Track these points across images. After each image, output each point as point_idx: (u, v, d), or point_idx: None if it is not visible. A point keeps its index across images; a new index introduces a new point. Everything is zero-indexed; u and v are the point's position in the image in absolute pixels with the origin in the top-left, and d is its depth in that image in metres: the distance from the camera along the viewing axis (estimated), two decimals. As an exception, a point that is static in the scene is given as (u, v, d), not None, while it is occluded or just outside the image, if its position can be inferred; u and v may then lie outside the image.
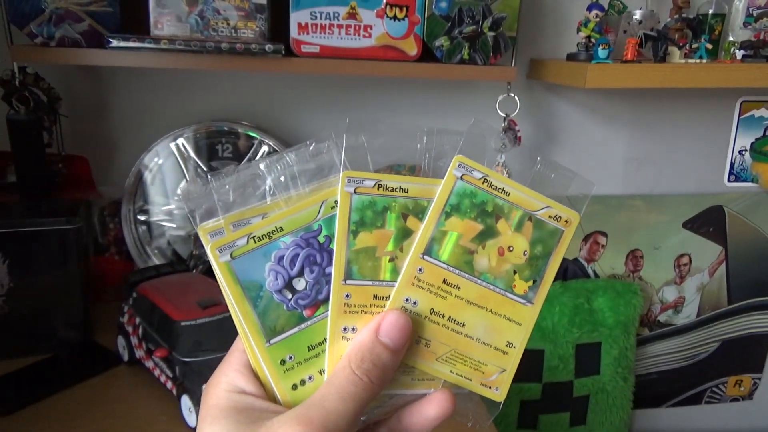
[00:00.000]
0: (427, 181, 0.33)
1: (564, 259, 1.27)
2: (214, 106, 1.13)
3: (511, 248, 0.34)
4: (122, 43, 0.88)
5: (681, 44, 1.03)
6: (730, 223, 1.38)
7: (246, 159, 1.11)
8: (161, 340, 0.82)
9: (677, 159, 1.32)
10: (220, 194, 0.32)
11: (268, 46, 0.90)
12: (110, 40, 0.88)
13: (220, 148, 1.12)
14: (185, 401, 0.77)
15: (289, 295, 0.33)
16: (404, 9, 0.93)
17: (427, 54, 0.97)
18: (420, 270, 0.33)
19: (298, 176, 0.33)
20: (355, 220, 0.32)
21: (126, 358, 0.90)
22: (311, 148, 0.33)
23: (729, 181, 1.35)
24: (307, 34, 0.93)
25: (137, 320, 0.87)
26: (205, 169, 1.10)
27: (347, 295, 0.33)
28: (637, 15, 1.10)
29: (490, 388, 0.34)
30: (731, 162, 1.34)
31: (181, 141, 1.08)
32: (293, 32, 0.93)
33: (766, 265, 1.42)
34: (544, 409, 1.25)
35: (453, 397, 0.33)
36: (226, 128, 1.10)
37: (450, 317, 0.33)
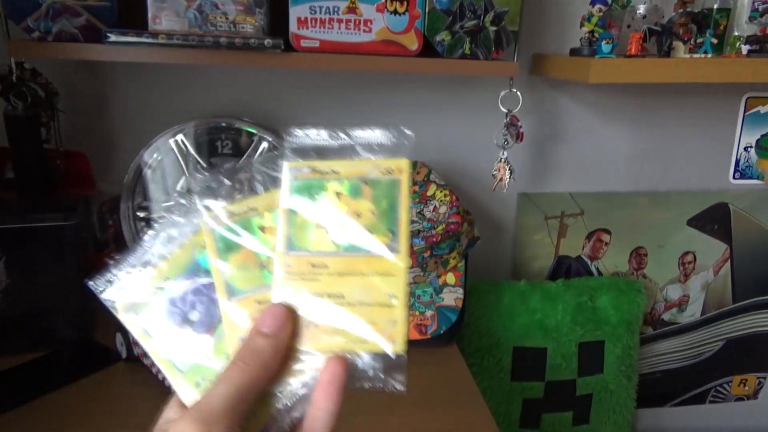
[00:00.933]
0: (273, 194, 0.38)
1: (567, 257, 1.25)
2: (215, 102, 1.12)
3: (359, 214, 0.36)
4: (120, 38, 0.87)
5: (686, 39, 1.01)
6: (735, 221, 1.36)
7: (246, 155, 1.11)
8: (159, 338, 0.81)
9: (682, 155, 1.31)
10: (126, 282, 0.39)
11: (267, 41, 0.89)
12: (108, 34, 0.87)
13: (220, 145, 1.11)
14: (183, 399, 0.76)
15: (189, 328, 0.38)
16: (405, 3, 0.92)
17: (428, 49, 0.96)
18: (288, 265, 0.36)
19: (176, 237, 0.39)
20: (220, 248, 0.37)
21: (124, 355, 0.89)
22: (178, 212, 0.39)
23: (734, 178, 1.34)
24: (307, 28, 0.92)
25: (135, 317, 0.87)
26: (204, 165, 1.09)
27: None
28: (641, 9, 1.08)
29: (387, 343, 0.35)
30: (736, 159, 1.33)
31: (180, 137, 1.07)
32: (292, 27, 0.92)
33: (771, 263, 1.40)
34: (547, 407, 1.24)
35: (341, 358, 0.35)
36: (225, 124, 1.09)
37: (328, 293, 0.36)
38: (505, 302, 1.20)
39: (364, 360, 0.35)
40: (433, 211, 1.00)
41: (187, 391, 0.37)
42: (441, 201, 1.00)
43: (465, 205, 1.19)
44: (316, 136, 0.38)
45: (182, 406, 0.36)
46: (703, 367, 1.45)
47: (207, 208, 0.38)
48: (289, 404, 0.35)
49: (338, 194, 0.37)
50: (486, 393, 1.20)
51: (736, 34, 1.13)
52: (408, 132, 0.37)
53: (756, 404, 1.51)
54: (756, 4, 1.16)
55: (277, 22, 0.94)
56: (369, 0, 0.91)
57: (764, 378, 1.49)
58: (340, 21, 0.92)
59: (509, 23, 0.95)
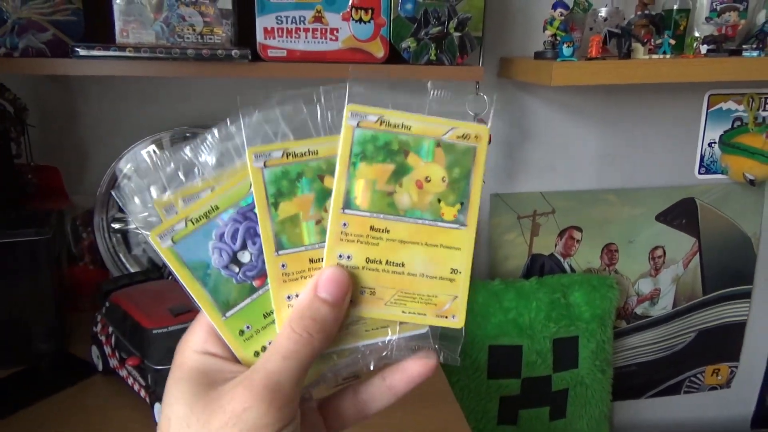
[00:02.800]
0: (333, 138, 0.33)
1: (540, 255, 1.28)
2: (187, 112, 1.13)
3: (428, 178, 0.33)
4: (87, 52, 0.88)
5: (645, 40, 1.04)
6: (702, 215, 1.40)
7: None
8: (133, 349, 0.82)
9: (649, 153, 1.34)
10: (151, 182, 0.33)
11: (235, 52, 0.90)
12: (75, 49, 0.88)
13: (193, 154, 1.11)
14: (158, 409, 0.77)
15: (236, 269, 0.33)
16: (369, 11, 0.93)
17: (394, 55, 0.97)
18: (345, 224, 0.33)
19: (223, 154, 0.33)
20: (272, 193, 0.33)
21: (100, 367, 0.90)
22: (232, 125, 0.34)
23: (700, 173, 1.38)
24: (274, 38, 0.93)
25: (110, 329, 0.87)
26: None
27: (283, 265, 0.33)
28: (603, 12, 1.11)
29: (446, 317, 0.33)
30: (701, 155, 1.36)
31: (152, 148, 1.08)
32: (259, 37, 0.93)
33: (738, 254, 1.44)
34: (524, 404, 1.27)
35: (436, 355, 0.34)
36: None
37: (387, 261, 0.33)
38: (480, 301, 1.22)
39: (425, 335, 0.34)
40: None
41: (227, 335, 0.33)
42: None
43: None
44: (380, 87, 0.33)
45: (219, 341, 0.33)
46: (677, 359, 1.49)
47: (254, 140, 0.33)
48: (339, 368, 0.34)
49: (406, 152, 0.33)
50: (463, 392, 1.22)
51: (696, 34, 1.17)
52: (486, 97, 0.33)
53: (729, 392, 1.55)
54: (714, 4, 1.20)
55: (246, 33, 0.95)
56: (334, 9, 0.93)
57: (736, 367, 1.53)
58: (306, 30, 0.94)
59: (473, 29, 0.97)
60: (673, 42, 1.02)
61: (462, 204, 0.33)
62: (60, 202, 1.09)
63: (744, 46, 1.07)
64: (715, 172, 1.38)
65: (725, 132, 1.35)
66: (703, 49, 1.10)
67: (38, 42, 0.89)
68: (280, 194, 0.33)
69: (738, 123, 1.35)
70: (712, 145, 1.36)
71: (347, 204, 0.33)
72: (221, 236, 0.33)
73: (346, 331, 0.33)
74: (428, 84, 0.34)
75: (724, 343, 1.50)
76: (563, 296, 1.27)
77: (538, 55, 1.06)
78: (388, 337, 0.34)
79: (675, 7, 1.17)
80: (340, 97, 0.34)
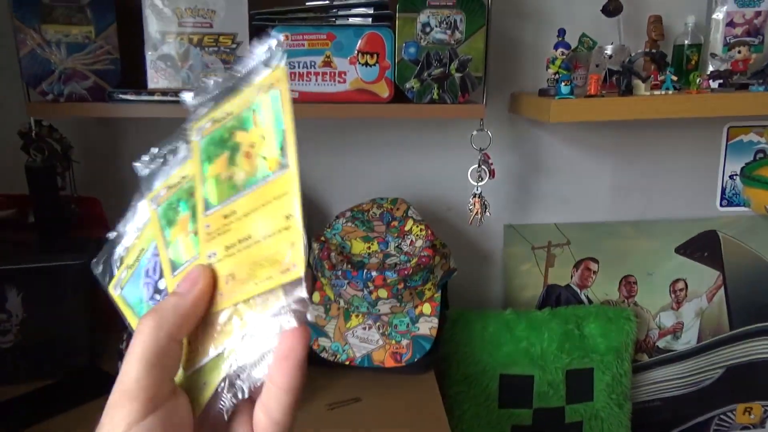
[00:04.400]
0: (194, 159, 0.36)
1: (556, 286, 1.29)
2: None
3: (252, 144, 0.33)
4: (121, 97, 0.98)
5: (650, 77, 1.06)
6: (725, 248, 1.37)
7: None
8: (150, 365, 0.89)
9: (666, 186, 1.34)
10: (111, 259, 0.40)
11: (250, 95, 0.99)
12: (111, 94, 0.99)
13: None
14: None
15: (158, 297, 0.37)
16: (375, 56, 1.00)
17: (399, 95, 1.04)
18: (207, 226, 0.34)
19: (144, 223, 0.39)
20: (163, 225, 0.37)
21: (124, 382, 0.98)
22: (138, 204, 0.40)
23: (721, 205, 1.36)
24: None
25: (133, 347, 0.96)
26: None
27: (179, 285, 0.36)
28: (609, 50, 1.14)
29: (289, 270, 0.32)
30: (722, 187, 1.35)
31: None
32: (274, 81, 1.02)
33: (766, 289, 1.40)
34: (536, 435, 1.27)
35: (298, 330, 0.31)
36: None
37: (239, 240, 0.33)
38: (491, 330, 1.24)
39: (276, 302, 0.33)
40: (410, 245, 1.07)
41: None
42: (417, 235, 1.07)
43: (450, 238, 1.25)
44: (209, 87, 0.35)
45: None
46: (704, 395, 1.45)
47: (148, 189, 0.38)
48: (234, 370, 0.33)
49: (233, 134, 0.34)
50: (474, 420, 1.24)
51: (711, 69, 1.18)
52: (274, 37, 0.34)
53: (764, 433, 1.49)
54: (728, 38, 1.20)
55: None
56: (342, 54, 1.01)
57: (769, 406, 1.47)
58: (317, 74, 1.01)
59: (474, 69, 1.02)
60: (675, 78, 1.04)
61: (281, 149, 0.32)
62: (101, 230, 1.20)
63: (750, 81, 1.07)
64: (737, 205, 1.36)
65: (747, 164, 1.33)
66: (714, 84, 1.11)
67: (81, 89, 1.00)
68: (169, 223, 0.36)
69: (761, 155, 1.33)
70: (734, 177, 1.34)
71: (206, 206, 0.34)
72: (147, 272, 0.38)
73: (223, 329, 0.33)
74: (233, 68, 0.34)
75: (755, 381, 1.45)
76: (577, 327, 1.27)
77: (542, 92, 1.10)
78: (251, 320, 0.32)
79: (686, 42, 1.19)
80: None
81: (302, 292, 0.31)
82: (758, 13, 1.18)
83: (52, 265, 1.01)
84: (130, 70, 1.03)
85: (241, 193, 0.33)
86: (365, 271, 0.99)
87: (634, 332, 1.31)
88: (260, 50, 0.33)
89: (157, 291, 0.38)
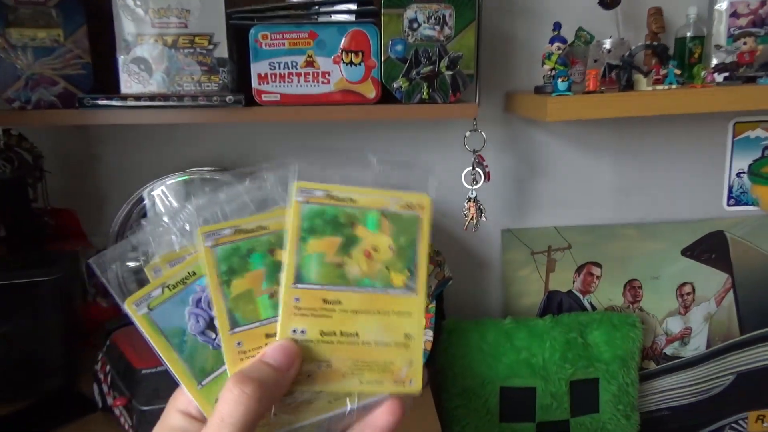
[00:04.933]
0: (281, 212, 0.34)
1: (557, 292, 1.23)
2: (194, 155, 1.17)
3: (376, 248, 0.34)
4: (92, 102, 0.93)
5: (653, 71, 1.01)
6: (734, 249, 1.31)
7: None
8: (124, 388, 0.84)
9: (670, 185, 1.28)
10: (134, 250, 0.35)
11: (228, 98, 0.93)
12: (82, 100, 0.93)
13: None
14: (142, 450, 0.78)
15: (213, 335, 0.34)
16: (360, 54, 0.95)
17: (387, 96, 0.98)
18: (297, 299, 0.33)
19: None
20: (224, 271, 0.34)
21: (100, 405, 0.92)
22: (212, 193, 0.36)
23: (728, 205, 1.30)
24: (267, 83, 0.96)
25: (108, 368, 0.90)
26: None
27: (239, 343, 0.33)
28: (607, 44, 1.08)
29: (404, 383, 0.34)
30: (729, 185, 1.29)
31: (161, 190, 1.13)
32: (254, 83, 0.96)
33: (778, 291, 1.34)
34: (540, 449, 1.21)
35: (402, 404, 0.34)
36: (207, 176, 1.14)
37: (341, 332, 0.33)
38: (489, 341, 1.18)
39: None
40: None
41: (202, 403, 0.33)
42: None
43: (444, 245, 1.19)
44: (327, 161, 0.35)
45: (190, 415, 0.34)
46: (715, 403, 1.39)
47: (206, 221, 0.34)
48: None
49: (353, 224, 0.34)
50: (474, 435, 1.18)
51: (715, 62, 1.12)
52: (427, 167, 0.36)
53: (778, 441, 1.43)
54: (732, 30, 1.15)
55: (245, 79, 0.99)
56: (325, 53, 0.95)
57: (783, 413, 1.41)
58: (299, 75, 0.96)
59: (465, 67, 0.97)
60: (678, 72, 0.98)
61: (410, 270, 0.34)
62: (77, 243, 1.14)
63: (758, 73, 1.01)
64: (745, 204, 1.30)
65: (755, 161, 1.27)
66: (719, 77, 1.05)
67: (50, 95, 0.95)
68: (232, 271, 0.34)
69: (768, 151, 1.28)
70: (741, 175, 1.29)
71: (299, 278, 0.33)
72: (198, 302, 0.34)
73: (308, 406, 0.33)
74: (373, 159, 0.36)
75: (767, 387, 1.39)
76: (580, 335, 1.21)
77: (538, 90, 1.05)
78: (348, 407, 0.34)
79: (688, 34, 1.13)
80: (285, 174, 0.35)
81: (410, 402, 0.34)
82: (764, 3, 1.13)
83: (24, 282, 0.96)
84: (102, 75, 0.98)
85: (352, 288, 0.34)
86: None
87: (640, 339, 1.25)
88: (406, 168, 0.35)
89: (212, 327, 0.34)
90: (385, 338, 0.34)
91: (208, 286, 0.33)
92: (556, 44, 1.00)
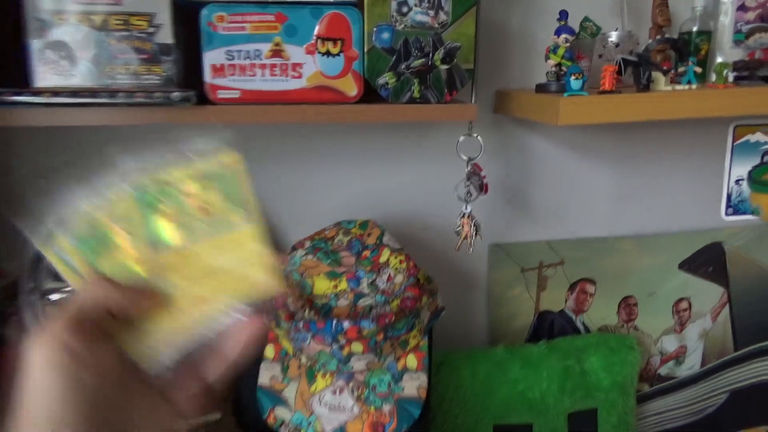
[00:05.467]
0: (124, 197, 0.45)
1: (548, 312, 1.10)
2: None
3: (207, 202, 0.43)
4: (-6, 99, 0.72)
5: (665, 69, 0.89)
6: (730, 261, 1.23)
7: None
8: None
9: (669, 193, 1.18)
10: None
11: (175, 94, 0.75)
12: (-20, 96, 0.72)
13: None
14: None
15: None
16: (338, 43, 0.78)
17: (370, 94, 0.82)
18: (154, 262, 0.43)
19: None
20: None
21: None
22: None
23: (727, 214, 1.21)
24: (224, 77, 0.78)
25: None
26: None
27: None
28: (613, 37, 0.96)
29: (263, 288, 0.43)
30: (728, 193, 1.20)
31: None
32: (207, 76, 0.78)
33: (773, 304, 1.27)
34: (537, 491, 1.08)
35: (260, 320, 0.42)
36: (145, 188, 0.94)
37: (204, 271, 0.43)
38: (481, 375, 1.04)
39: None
40: (388, 281, 0.85)
41: None
42: (396, 269, 0.85)
43: (425, 263, 1.04)
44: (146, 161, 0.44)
45: None
46: (708, 423, 1.30)
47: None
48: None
49: (187, 193, 0.43)
50: (465, 481, 1.03)
51: (720, 60, 1.02)
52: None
53: (768, 459, 1.36)
54: (739, 24, 1.05)
55: (195, 71, 0.80)
56: (296, 41, 0.78)
57: (775, 431, 1.34)
58: (263, 66, 0.78)
59: (463, 61, 0.82)
60: (699, 70, 0.87)
61: (244, 209, 0.44)
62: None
63: (781, 73, 0.91)
64: (743, 213, 1.21)
65: (754, 167, 1.19)
66: (731, 76, 0.94)
67: (-64, 88, 0.73)
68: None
69: (768, 157, 1.20)
70: (740, 182, 1.20)
71: (155, 245, 0.43)
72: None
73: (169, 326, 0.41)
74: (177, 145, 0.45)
75: (760, 404, 1.32)
76: (578, 362, 1.09)
77: (541, 88, 0.91)
78: (212, 324, 0.42)
79: (694, 29, 1.03)
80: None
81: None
82: (774, -4, 1.03)
83: None
84: (9, 63, 0.77)
85: (203, 237, 0.43)
86: (334, 321, 0.76)
87: (638, 363, 1.14)
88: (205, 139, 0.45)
89: None
90: (240, 263, 0.42)
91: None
92: (564, 36, 0.86)
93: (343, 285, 0.85)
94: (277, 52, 0.78)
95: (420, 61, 0.80)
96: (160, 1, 0.75)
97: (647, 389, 1.26)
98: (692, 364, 1.27)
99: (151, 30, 0.76)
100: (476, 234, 0.92)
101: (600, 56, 0.97)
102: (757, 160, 1.19)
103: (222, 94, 0.78)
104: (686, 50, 0.86)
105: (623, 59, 0.84)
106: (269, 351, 0.85)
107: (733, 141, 1.18)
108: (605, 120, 0.81)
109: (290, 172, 1.01)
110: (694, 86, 0.87)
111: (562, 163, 1.12)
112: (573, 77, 0.80)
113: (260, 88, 0.79)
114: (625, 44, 0.95)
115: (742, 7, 1.05)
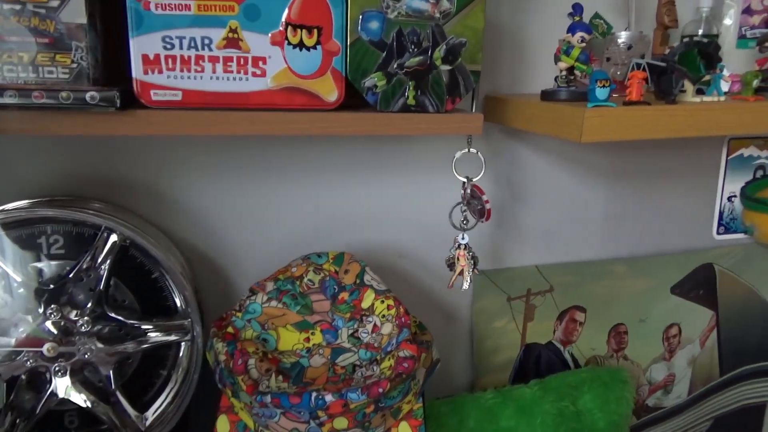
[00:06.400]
0: None
1: (535, 345, 0.94)
2: (38, 179, 0.75)
3: None
4: None
5: (699, 78, 0.77)
6: (720, 283, 1.15)
7: (89, 255, 0.74)
8: None
9: (663, 211, 1.08)
10: None
11: (91, 95, 0.54)
12: None
13: (45, 242, 0.74)
14: None
15: None
16: (314, 32, 0.60)
17: (353, 98, 0.64)
18: None
19: None
20: None
21: None
22: None
23: (718, 233, 1.13)
24: (160, 72, 0.58)
25: None
26: (17, 279, 0.71)
27: None
28: (623, 38, 0.84)
29: None
30: (720, 211, 1.12)
31: (-28, 239, 0.69)
32: (137, 70, 0.58)
33: (759, 327, 1.20)
34: None
35: None
36: (50, 213, 0.72)
37: None
38: (471, 424, 0.90)
39: None
40: (374, 332, 0.68)
41: None
42: (383, 316, 0.69)
43: (402, 293, 0.89)
44: None
45: None
46: (692, 453, 1.23)
47: None
48: None
49: None
50: None
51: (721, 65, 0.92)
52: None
53: (746, 484, 1.30)
54: (743, 29, 0.95)
55: (119, 62, 0.60)
56: (259, 27, 0.59)
57: (756, 456, 1.29)
58: (214, 59, 0.59)
59: (468, 60, 0.66)
60: (728, 79, 0.75)
61: None
62: None
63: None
64: (734, 231, 1.13)
65: (747, 183, 1.11)
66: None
67: None
68: None
69: (761, 172, 1.12)
70: (732, 199, 1.12)
71: None
72: None
73: None
74: None
75: (744, 429, 1.26)
76: (572, 403, 0.97)
77: (548, 96, 0.77)
78: None
79: (699, 32, 0.92)
80: None
81: None
82: (782, -1, 0.95)
83: None
84: None
85: None
86: (314, 393, 0.59)
87: (633, 398, 1.03)
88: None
89: None
90: None
91: None
92: (579, 34, 0.72)
93: (317, 338, 0.68)
94: (232, 42, 0.59)
95: (417, 59, 0.64)
96: (68, -35, 0.55)
97: (634, 422, 1.17)
98: (680, 392, 1.18)
99: (54, 3, 0.55)
100: (474, 268, 0.77)
101: (608, 59, 0.84)
102: (749, 175, 1.11)
103: (157, 96, 0.58)
104: (717, 57, 0.74)
105: (648, 64, 0.71)
106: (222, 425, 0.66)
107: (728, 154, 1.09)
108: (634, 137, 0.67)
109: (245, 193, 0.82)
110: (722, 98, 0.75)
111: (553, 178, 0.99)
112: (599, 84, 0.66)
113: (209, 89, 0.59)
114: (637, 46, 0.82)
115: (747, 10, 0.96)
